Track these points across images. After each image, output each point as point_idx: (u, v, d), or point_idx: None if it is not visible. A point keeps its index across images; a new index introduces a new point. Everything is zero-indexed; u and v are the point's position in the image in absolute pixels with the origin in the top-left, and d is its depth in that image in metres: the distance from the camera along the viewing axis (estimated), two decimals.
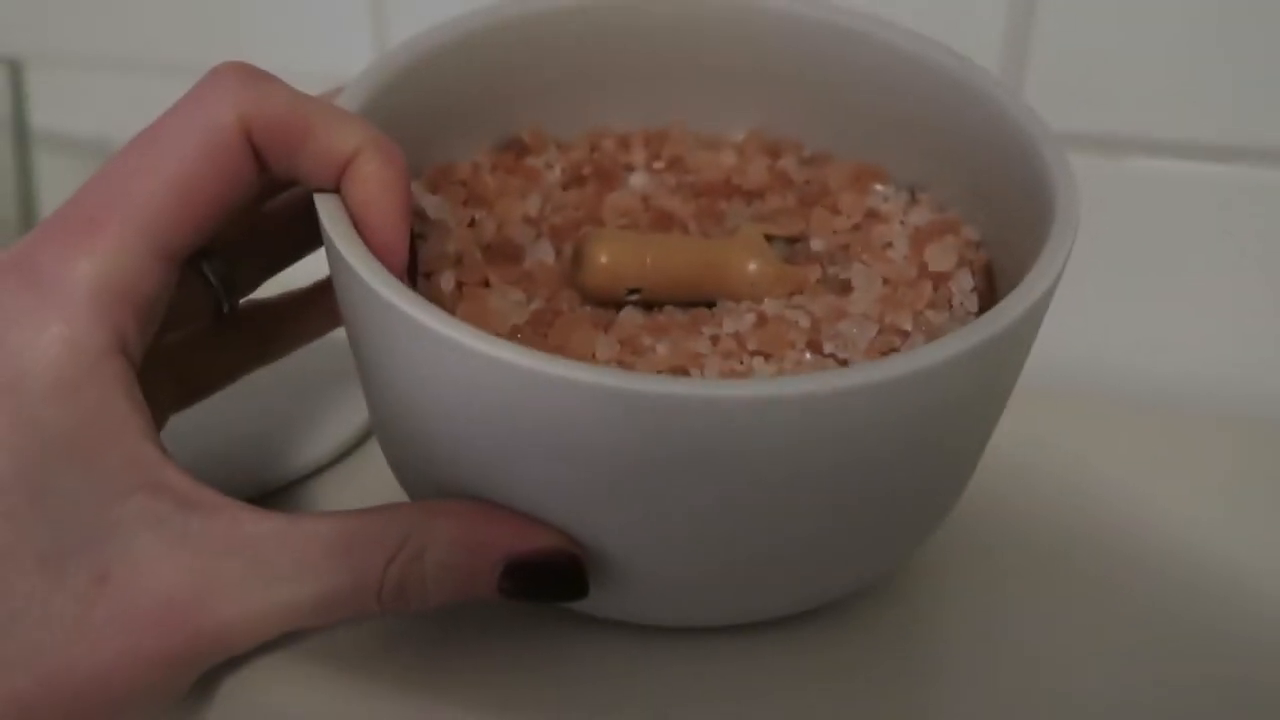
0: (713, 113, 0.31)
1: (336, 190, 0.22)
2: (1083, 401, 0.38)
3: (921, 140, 0.29)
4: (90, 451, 0.20)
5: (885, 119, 0.29)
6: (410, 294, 0.20)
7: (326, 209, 0.22)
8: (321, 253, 0.26)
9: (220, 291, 0.26)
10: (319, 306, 0.28)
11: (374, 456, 0.33)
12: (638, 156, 0.31)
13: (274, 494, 0.31)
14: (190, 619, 0.20)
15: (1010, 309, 0.21)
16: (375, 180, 0.22)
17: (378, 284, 0.20)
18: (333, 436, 0.32)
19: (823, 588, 0.25)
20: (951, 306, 0.26)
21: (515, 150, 0.30)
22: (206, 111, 0.21)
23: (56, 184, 0.55)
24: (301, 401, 0.33)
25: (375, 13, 0.48)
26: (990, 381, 0.22)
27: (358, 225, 0.22)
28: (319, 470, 0.32)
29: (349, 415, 0.33)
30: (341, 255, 0.21)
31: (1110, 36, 0.39)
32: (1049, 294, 0.22)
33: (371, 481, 0.32)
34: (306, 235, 0.26)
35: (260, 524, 0.21)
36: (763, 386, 0.19)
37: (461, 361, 0.20)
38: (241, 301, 0.27)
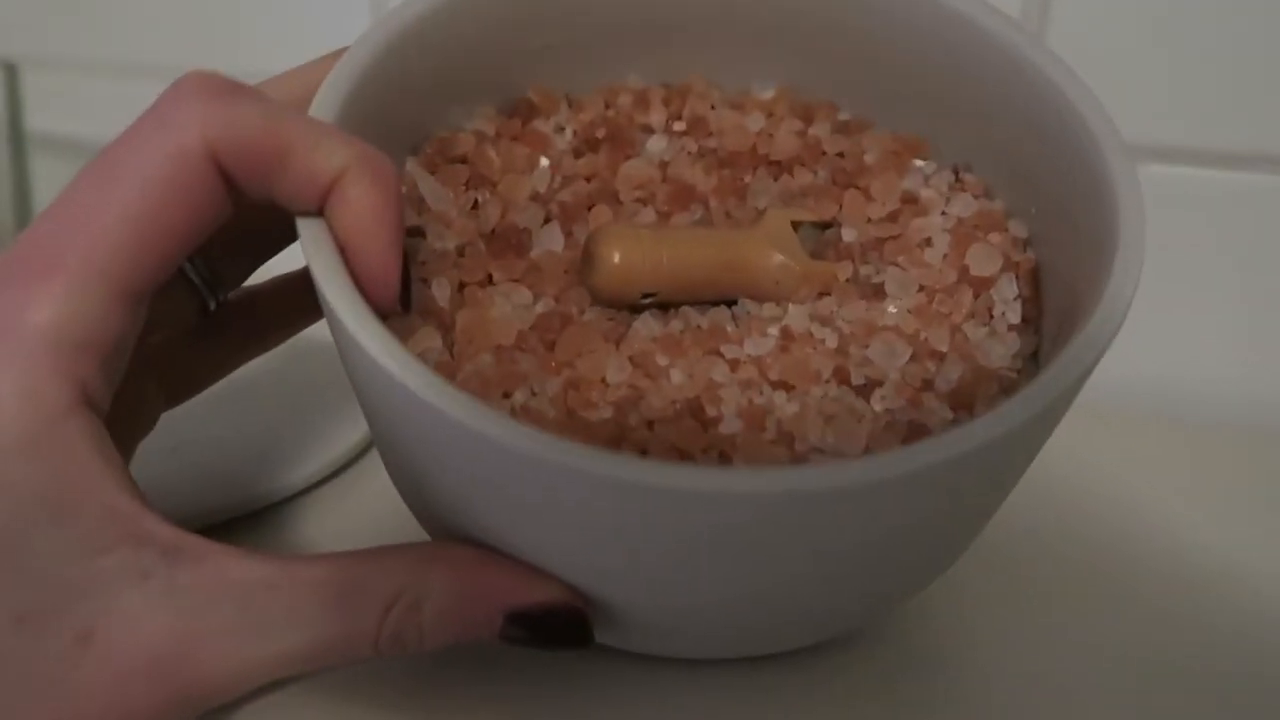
0: (739, 68, 0.28)
1: (321, 213, 0.20)
2: (1096, 414, 0.36)
3: (971, 115, 0.26)
4: (64, 508, 0.19)
5: (932, 86, 0.26)
6: (392, 344, 0.18)
7: (309, 236, 0.20)
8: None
9: (204, 291, 0.24)
10: (308, 294, 0.27)
11: (373, 469, 0.32)
12: (656, 117, 0.28)
13: (272, 508, 0.30)
14: (178, 673, 0.20)
15: (1053, 382, 0.19)
16: (362, 204, 0.20)
17: (362, 335, 0.19)
18: (331, 450, 0.31)
19: (831, 628, 0.24)
20: (993, 317, 0.24)
21: (522, 115, 0.27)
22: (169, 135, 0.19)
23: (52, 187, 0.53)
24: (299, 414, 0.32)
25: (375, 11, 0.46)
26: (1026, 449, 0.21)
27: (345, 252, 0.20)
28: (319, 483, 0.31)
29: (347, 428, 0.32)
30: (325, 295, 0.19)
31: (1122, 43, 0.38)
32: (1099, 357, 0.20)
33: (371, 495, 0.31)
34: (290, 227, 0.24)
35: (249, 571, 0.20)
36: (777, 478, 0.17)
37: (448, 429, 0.18)
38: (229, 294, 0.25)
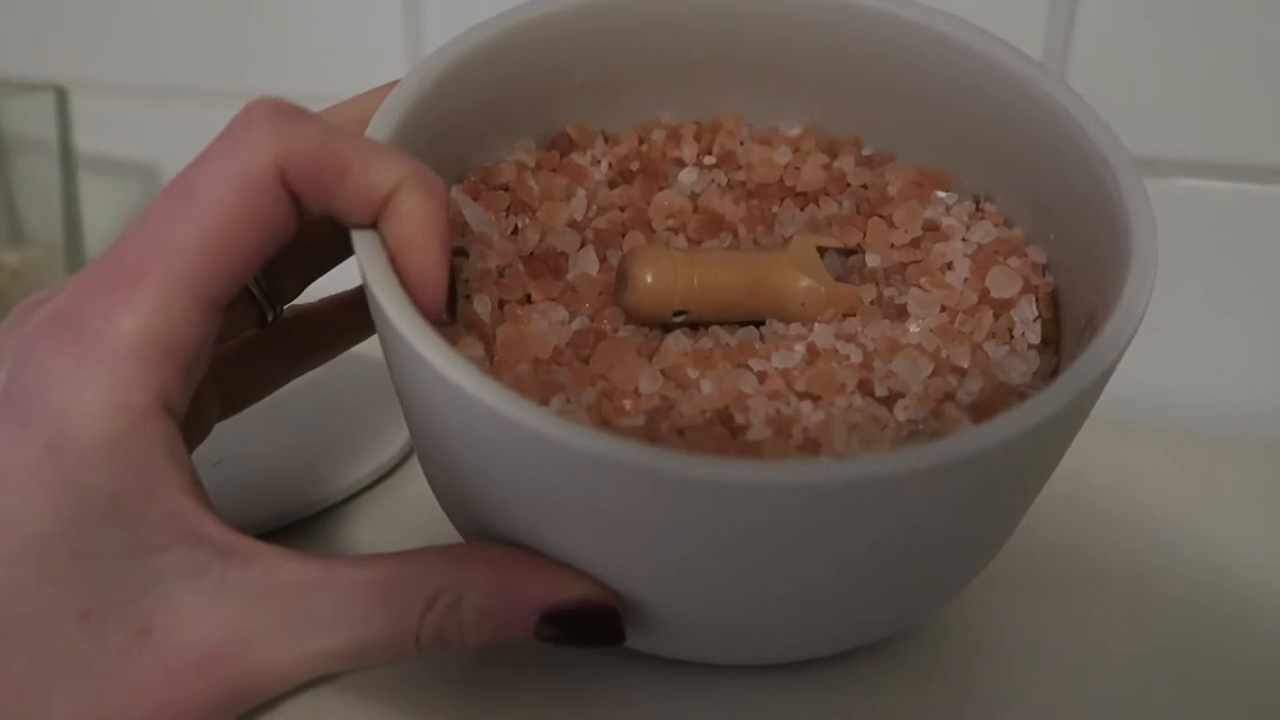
0: (768, 107, 0.30)
1: (374, 226, 0.22)
2: (1125, 428, 0.37)
3: (989, 147, 0.27)
4: (131, 508, 0.20)
5: (953, 122, 0.27)
6: (442, 345, 0.20)
7: (363, 246, 0.21)
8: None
9: (264, 303, 0.26)
10: (361, 311, 0.28)
11: (413, 477, 0.33)
12: (688, 151, 0.29)
13: (316, 518, 0.31)
14: (229, 668, 0.20)
15: (1071, 384, 0.19)
16: (414, 217, 0.21)
17: (410, 333, 0.20)
18: (373, 458, 0.32)
19: (860, 634, 0.24)
20: (1013, 337, 0.25)
21: (561, 148, 0.29)
22: (242, 156, 0.20)
23: (100, 205, 0.56)
24: (339, 425, 0.33)
25: (410, 37, 0.47)
26: (1046, 452, 0.21)
27: (396, 262, 0.21)
28: (362, 491, 0.32)
29: (389, 436, 0.33)
30: (376, 299, 0.21)
31: (1152, 57, 0.38)
32: (1115, 363, 0.20)
33: (413, 502, 0.32)
34: (345, 241, 0.25)
35: (297, 571, 0.21)
36: (804, 470, 0.18)
37: (494, 425, 0.19)
38: (285, 309, 0.27)
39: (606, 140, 0.29)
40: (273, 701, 0.22)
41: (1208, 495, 0.34)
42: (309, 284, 0.27)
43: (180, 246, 0.20)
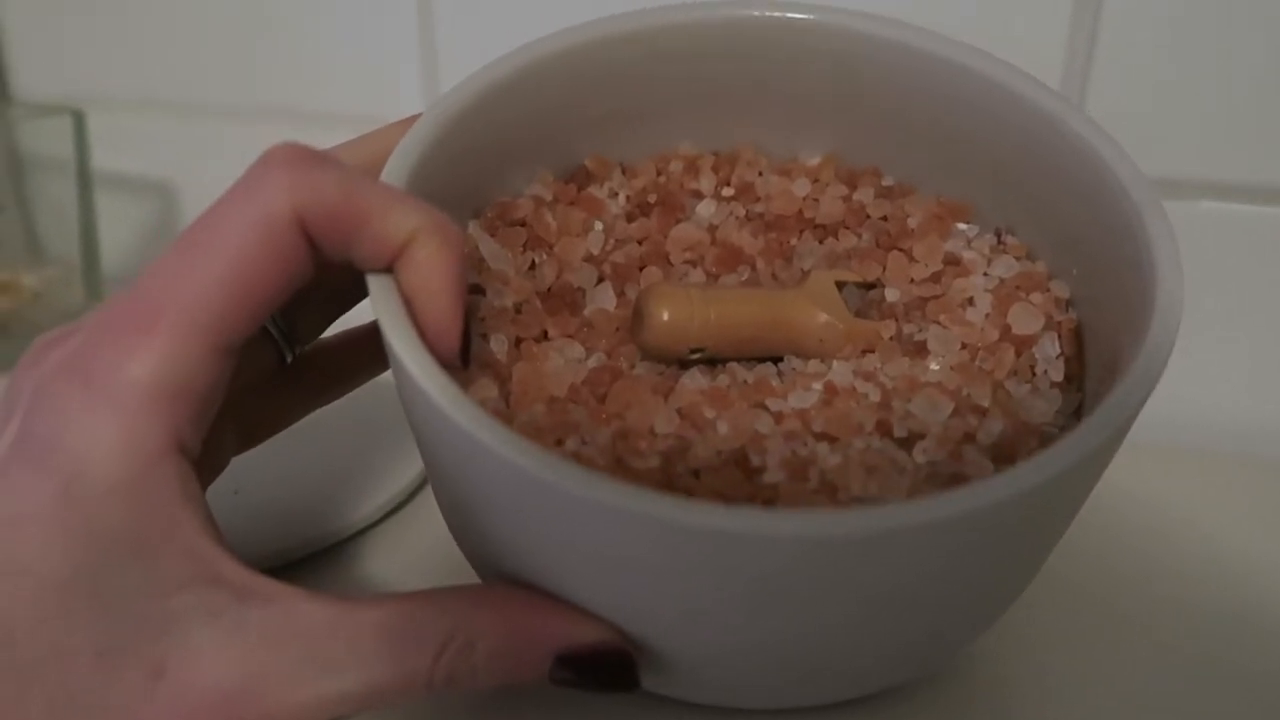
0: (787, 138, 0.29)
1: (390, 271, 0.22)
2: (1151, 450, 0.36)
3: (1010, 179, 0.27)
4: (147, 549, 0.20)
5: (972, 153, 0.27)
6: (455, 393, 0.20)
7: (379, 292, 0.21)
8: None
9: (283, 344, 0.26)
10: (378, 346, 0.28)
11: (430, 505, 0.33)
12: (706, 182, 0.29)
13: (331, 549, 0.31)
14: (244, 709, 0.20)
15: (1094, 431, 0.19)
16: (429, 265, 0.21)
17: (424, 380, 0.20)
18: (390, 487, 0.32)
19: (880, 680, 0.24)
20: (1034, 375, 0.25)
21: (578, 181, 0.29)
22: (260, 203, 0.20)
23: (117, 224, 0.56)
24: (355, 456, 0.33)
25: (425, 54, 0.48)
26: (1068, 498, 0.21)
27: (411, 308, 0.21)
28: (379, 520, 0.32)
29: (405, 465, 0.33)
30: (393, 346, 0.21)
31: (1175, 77, 0.38)
32: (1140, 406, 0.20)
33: (428, 532, 0.32)
34: (362, 283, 0.25)
35: (314, 612, 0.21)
36: (817, 521, 0.18)
37: (507, 473, 0.19)
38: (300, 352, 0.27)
39: (624, 172, 0.29)
40: None
41: (1250, 521, 0.33)
42: (327, 325, 0.27)
43: (194, 292, 0.20)
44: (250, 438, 0.27)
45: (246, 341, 0.22)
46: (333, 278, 0.26)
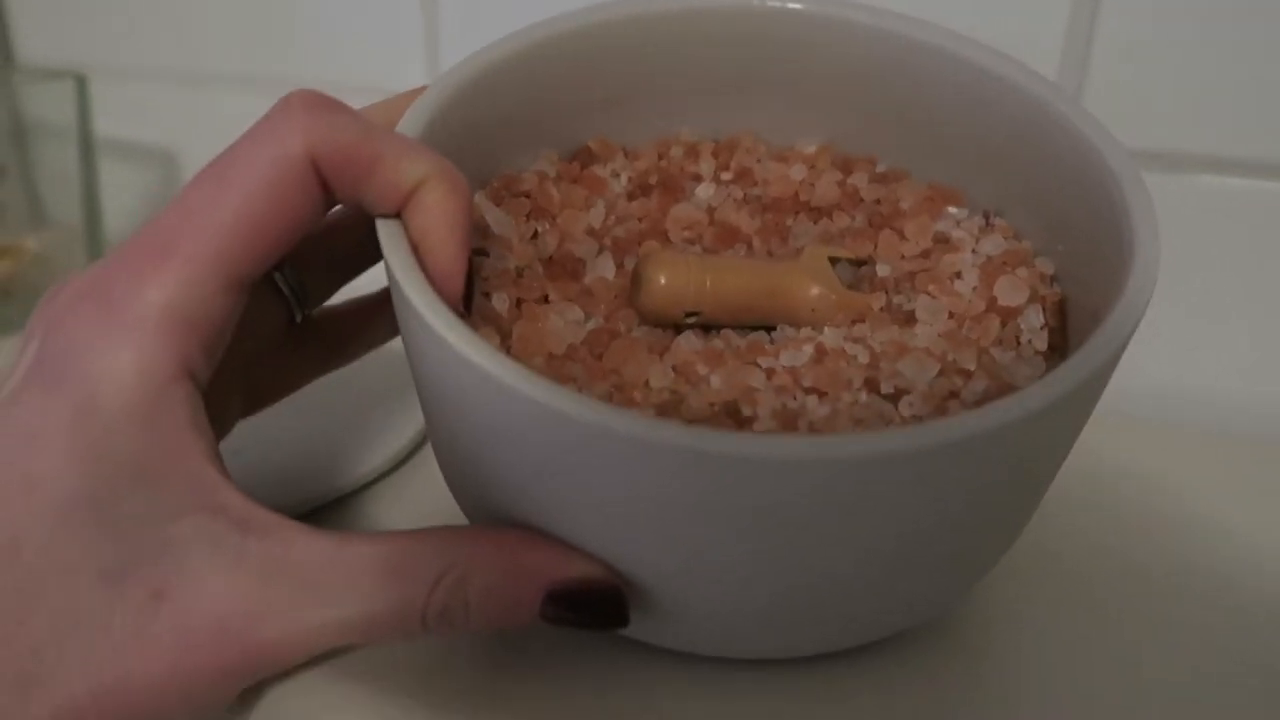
0: (785, 125, 0.30)
1: (398, 217, 0.22)
2: (1149, 426, 0.37)
3: (1000, 165, 0.28)
4: (154, 473, 0.21)
5: (964, 140, 0.28)
6: (462, 328, 0.20)
7: (387, 235, 0.22)
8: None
9: (293, 302, 0.27)
10: (384, 314, 0.29)
11: (426, 466, 0.34)
12: (705, 166, 0.30)
13: (330, 505, 0.32)
14: (242, 636, 0.21)
15: (1074, 371, 0.20)
16: (437, 209, 0.22)
17: (432, 316, 0.21)
18: (388, 446, 0.33)
19: (874, 627, 0.24)
20: (1019, 344, 0.25)
21: (582, 160, 0.30)
22: (276, 143, 0.21)
23: (120, 190, 0.57)
24: (358, 412, 0.34)
25: (429, 24, 0.48)
26: (1050, 438, 0.21)
27: (418, 251, 0.22)
28: (377, 479, 0.33)
29: (403, 425, 0.34)
30: (399, 283, 0.21)
31: (1176, 51, 0.38)
32: (1118, 355, 0.21)
33: (426, 489, 0.32)
34: (374, 247, 0.26)
35: (311, 546, 0.22)
36: (813, 446, 0.19)
37: (509, 401, 0.20)
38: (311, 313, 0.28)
39: (626, 155, 0.30)
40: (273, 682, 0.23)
41: (1234, 496, 0.34)
42: (337, 289, 0.28)
43: (211, 226, 0.21)
44: (256, 402, 0.28)
45: (257, 297, 0.23)
46: (346, 240, 0.27)
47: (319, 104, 0.22)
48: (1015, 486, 0.22)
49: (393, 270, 0.22)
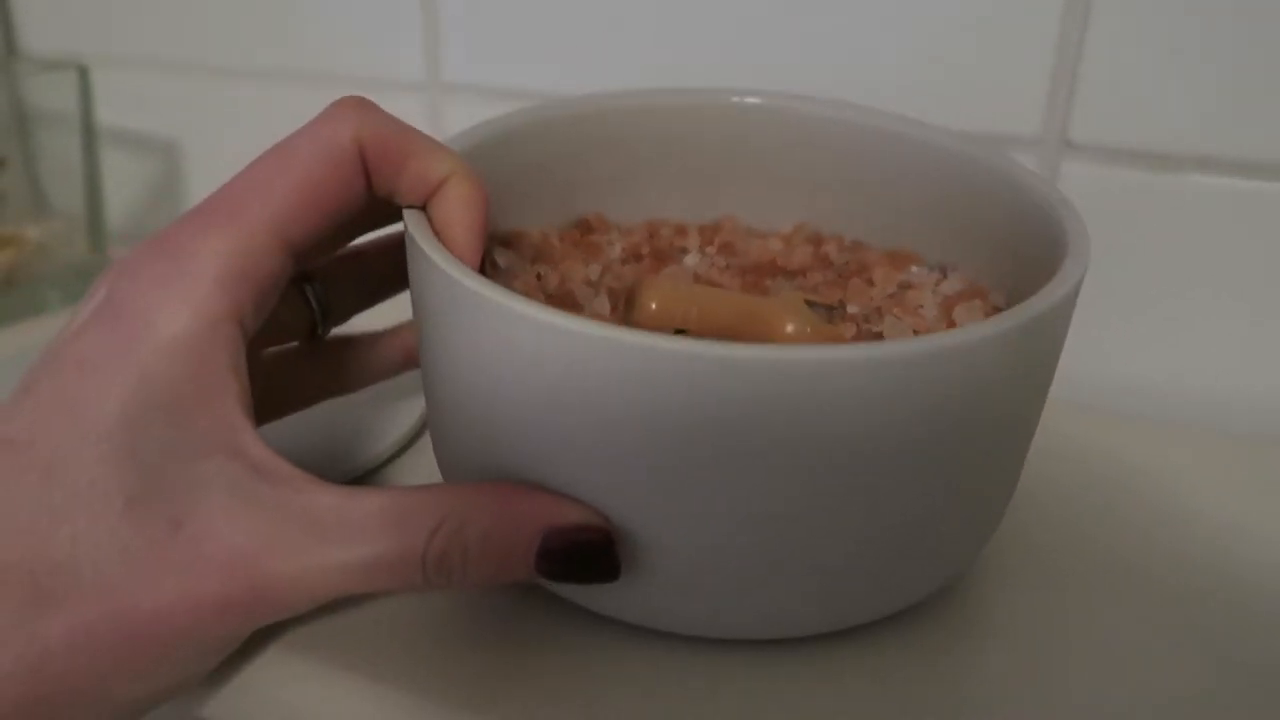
0: (762, 208, 0.34)
1: (424, 210, 0.26)
2: (1138, 424, 0.38)
3: (951, 224, 0.31)
4: (188, 408, 0.23)
5: (918, 208, 0.32)
6: (474, 274, 0.23)
7: (413, 218, 0.25)
8: (403, 300, 0.30)
9: (318, 314, 0.29)
10: (391, 347, 0.32)
11: (424, 455, 0.35)
12: (692, 241, 0.34)
13: None
14: (251, 570, 0.22)
15: (1012, 315, 0.23)
16: (460, 200, 0.25)
17: (447, 265, 0.23)
18: (381, 441, 0.34)
19: (853, 599, 0.25)
20: None
21: (581, 228, 0.33)
22: (330, 131, 0.25)
23: (122, 180, 0.57)
24: (358, 405, 0.35)
25: (428, 17, 0.50)
26: (1023, 364, 0.23)
27: (439, 236, 0.25)
28: (377, 468, 0.34)
29: (398, 419, 0.35)
30: (419, 246, 0.24)
31: (1165, 50, 0.38)
32: (1060, 307, 0.23)
33: (423, 477, 0.34)
34: (398, 276, 0.29)
35: (320, 495, 0.23)
36: (799, 352, 0.21)
37: (516, 328, 0.22)
38: (330, 332, 0.30)
39: (620, 232, 0.34)
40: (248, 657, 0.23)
41: (1232, 494, 0.34)
42: (358, 311, 0.31)
43: (270, 194, 0.24)
44: (268, 412, 0.30)
45: (287, 297, 0.26)
46: (370, 267, 0.30)
47: (366, 104, 0.26)
48: (965, 433, 0.23)
49: (414, 239, 0.25)
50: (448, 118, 0.52)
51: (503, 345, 0.23)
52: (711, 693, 0.25)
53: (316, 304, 0.29)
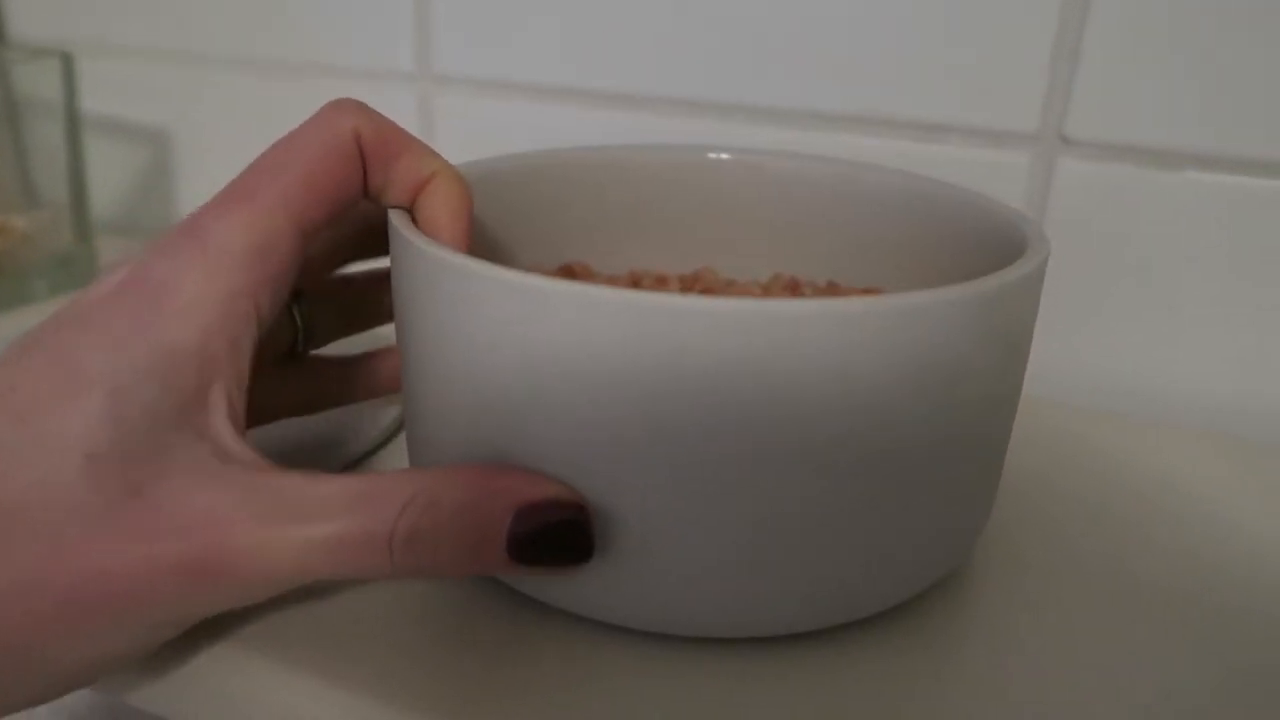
0: (739, 258, 0.35)
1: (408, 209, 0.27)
2: (1136, 424, 0.38)
3: (920, 257, 0.32)
4: (175, 373, 0.23)
5: (888, 245, 0.33)
6: (450, 249, 0.23)
7: (397, 217, 0.26)
8: (381, 335, 0.31)
9: (300, 331, 0.30)
10: (364, 371, 0.33)
11: (391, 464, 0.35)
12: (673, 288, 0.34)
13: None
14: (209, 537, 0.21)
15: (977, 283, 0.23)
16: (447, 197, 0.26)
17: (426, 246, 0.23)
18: (358, 440, 0.34)
19: (837, 588, 0.25)
20: None
21: (565, 274, 0.34)
22: (331, 123, 0.26)
23: (109, 169, 0.57)
24: (327, 416, 0.35)
25: (418, 7, 0.50)
26: (994, 332, 0.23)
27: (424, 230, 0.26)
28: (354, 462, 0.34)
29: (370, 428, 0.35)
30: (400, 233, 0.25)
31: (1164, 46, 0.38)
32: (1031, 280, 0.24)
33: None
34: (383, 307, 0.31)
35: (286, 476, 0.22)
36: (771, 306, 0.21)
37: (493, 293, 0.22)
38: (310, 353, 0.31)
39: (604, 279, 0.34)
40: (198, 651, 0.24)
41: (1232, 495, 0.34)
42: (339, 336, 0.32)
43: (282, 178, 0.25)
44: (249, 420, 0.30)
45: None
46: (355, 293, 0.32)
47: (363, 104, 0.27)
48: (936, 400, 0.23)
49: (396, 229, 0.25)
50: (438, 109, 0.52)
51: (474, 311, 0.22)
52: (693, 693, 0.24)
53: (301, 321, 0.30)
